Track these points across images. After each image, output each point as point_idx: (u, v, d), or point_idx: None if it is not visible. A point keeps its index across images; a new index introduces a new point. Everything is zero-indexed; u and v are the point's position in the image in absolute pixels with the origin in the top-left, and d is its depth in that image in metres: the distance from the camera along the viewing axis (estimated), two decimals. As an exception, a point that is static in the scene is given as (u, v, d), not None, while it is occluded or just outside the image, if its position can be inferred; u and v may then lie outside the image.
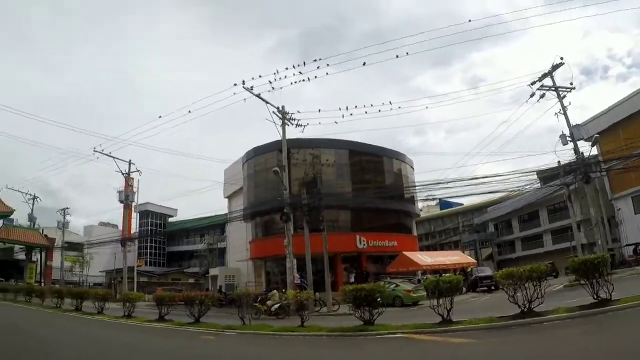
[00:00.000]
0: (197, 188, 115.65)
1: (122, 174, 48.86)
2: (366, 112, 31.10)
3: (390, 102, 31.09)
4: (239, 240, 50.84)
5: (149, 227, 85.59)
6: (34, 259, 67.96)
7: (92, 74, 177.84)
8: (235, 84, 29.80)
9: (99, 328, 20.23)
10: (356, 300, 15.98)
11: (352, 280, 36.90)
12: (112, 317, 24.13)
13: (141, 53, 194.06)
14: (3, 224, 66.47)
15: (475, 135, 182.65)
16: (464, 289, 30.90)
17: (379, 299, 16.15)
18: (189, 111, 35.13)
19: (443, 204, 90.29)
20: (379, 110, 31.11)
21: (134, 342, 15.54)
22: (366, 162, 46.77)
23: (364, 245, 41.66)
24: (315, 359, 11.68)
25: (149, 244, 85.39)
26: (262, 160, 44.99)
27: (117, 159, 47.92)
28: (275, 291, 28.02)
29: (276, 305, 24.78)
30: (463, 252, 57.46)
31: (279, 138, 32.67)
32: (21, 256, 71.34)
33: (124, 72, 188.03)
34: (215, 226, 63.03)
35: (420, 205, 55.78)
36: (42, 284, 58.59)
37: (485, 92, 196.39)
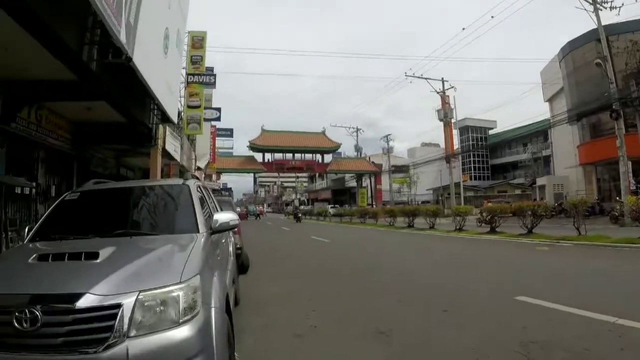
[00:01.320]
0: (513, 95, 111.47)
1: (437, 92, 49.12)
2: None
3: None
4: (565, 146, 47.13)
5: (470, 142, 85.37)
6: (363, 184, 73.56)
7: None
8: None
9: (434, 241, 20.54)
10: None
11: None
12: (444, 232, 24.65)
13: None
14: (333, 157, 73.28)
15: None
16: None
17: None
18: (492, 17, 33.25)
19: None
20: None
21: (473, 253, 15.23)
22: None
23: None
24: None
25: (471, 159, 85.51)
26: (579, 55, 40.09)
27: (430, 79, 48.42)
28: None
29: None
30: None
31: (594, 27, 29.04)
32: (352, 184, 78.19)
33: None
34: (538, 133, 59.49)
35: None
36: (374, 206, 62.71)
37: None
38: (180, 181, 5.60)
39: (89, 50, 9.21)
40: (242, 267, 10.88)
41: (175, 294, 2.99)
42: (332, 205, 70.08)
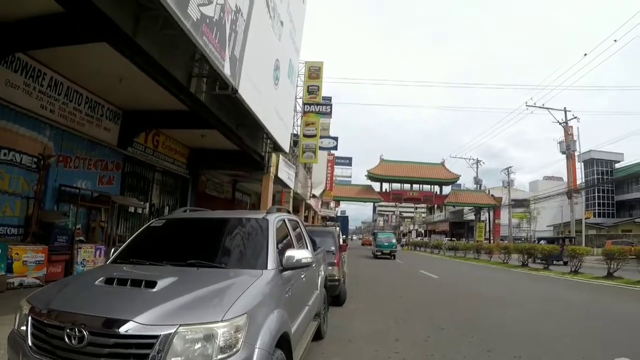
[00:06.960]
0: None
1: (559, 123, 47.26)
2: None
3: None
4: None
5: (595, 176, 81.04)
6: (482, 218, 71.82)
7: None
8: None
9: (546, 285, 19.47)
10: None
11: None
12: (558, 273, 23.37)
13: None
14: (452, 189, 72.56)
15: None
16: None
17: None
18: (615, 40, 32.11)
19: None
20: None
21: (583, 301, 14.33)
22: None
23: None
24: None
25: (595, 194, 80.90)
26: None
27: (551, 109, 46.73)
28: None
29: None
30: None
31: None
32: (470, 217, 76.48)
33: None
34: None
35: None
36: (491, 241, 61.16)
37: None
38: (262, 214, 5.61)
39: (197, 82, 9.79)
40: (337, 299, 10.97)
41: (214, 331, 3.05)
42: (449, 239, 69.26)
